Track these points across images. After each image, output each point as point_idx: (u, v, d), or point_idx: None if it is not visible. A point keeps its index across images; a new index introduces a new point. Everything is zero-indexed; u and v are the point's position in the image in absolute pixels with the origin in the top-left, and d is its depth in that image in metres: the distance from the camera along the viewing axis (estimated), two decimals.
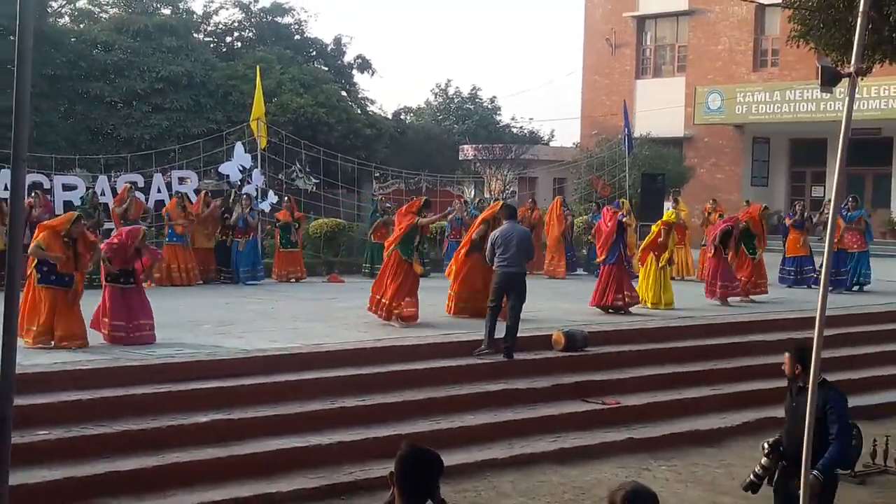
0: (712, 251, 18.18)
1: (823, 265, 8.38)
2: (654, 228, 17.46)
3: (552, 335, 13.20)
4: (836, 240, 20.66)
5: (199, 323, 14.03)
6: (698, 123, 38.04)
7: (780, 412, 12.29)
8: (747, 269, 18.66)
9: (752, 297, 18.45)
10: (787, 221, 21.23)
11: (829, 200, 20.72)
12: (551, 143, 51.09)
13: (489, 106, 52.58)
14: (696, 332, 14.94)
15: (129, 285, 12.26)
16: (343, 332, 13.35)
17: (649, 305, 16.66)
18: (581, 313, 15.76)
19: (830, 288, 19.61)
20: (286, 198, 22.56)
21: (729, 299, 17.73)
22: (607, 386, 12.54)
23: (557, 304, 16.68)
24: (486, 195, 36.37)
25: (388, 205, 26.71)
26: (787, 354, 7.22)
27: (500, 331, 12.60)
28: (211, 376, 10.73)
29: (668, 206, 22.27)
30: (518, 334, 12.73)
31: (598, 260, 16.72)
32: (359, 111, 36.99)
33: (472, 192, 39.66)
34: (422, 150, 40.88)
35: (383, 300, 14.09)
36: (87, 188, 21.96)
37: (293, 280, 21.42)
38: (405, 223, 14.25)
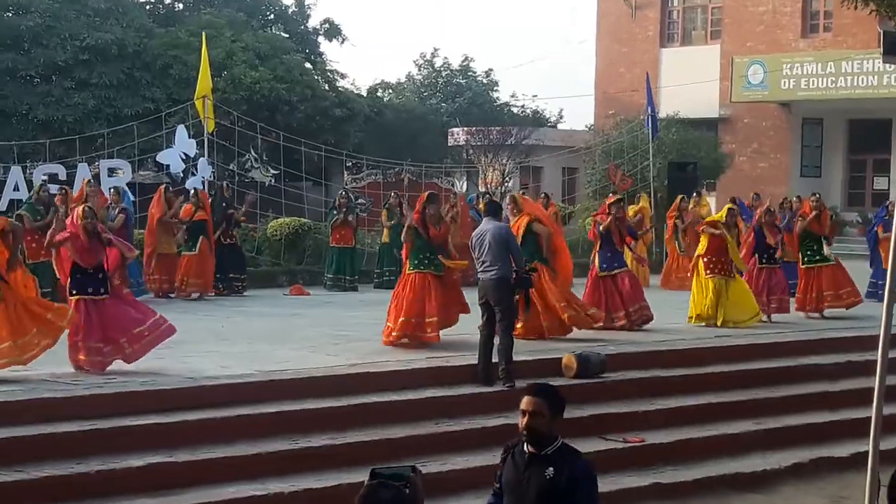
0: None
1: (888, 276, 8.38)
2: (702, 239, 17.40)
3: (562, 359, 13.19)
4: None
5: None
6: (736, 101, 38.16)
7: (839, 450, 12.40)
8: (808, 279, 18.64)
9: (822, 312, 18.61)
10: (880, 231, 21.21)
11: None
12: (559, 126, 51.18)
13: (484, 80, 52.65)
14: (735, 354, 14.95)
15: (101, 295, 12.23)
16: (309, 356, 13.33)
17: (707, 323, 16.74)
18: (598, 331, 15.76)
19: None
20: (192, 189, 21.73)
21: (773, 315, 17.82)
22: (629, 420, 12.54)
23: None
24: (482, 188, 36.41)
25: (361, 200, 26.76)
26: (534, 399, 6.15)
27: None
28: (148, 410, 10.69)
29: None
30: (519, 357, 12.76)
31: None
32: (326, 87, 37.00)
33: (464, 185, 39.68)
34: (403, 134, 40.90)
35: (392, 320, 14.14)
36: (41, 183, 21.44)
37: (195, 297, 20.46)
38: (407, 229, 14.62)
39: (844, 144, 38.53)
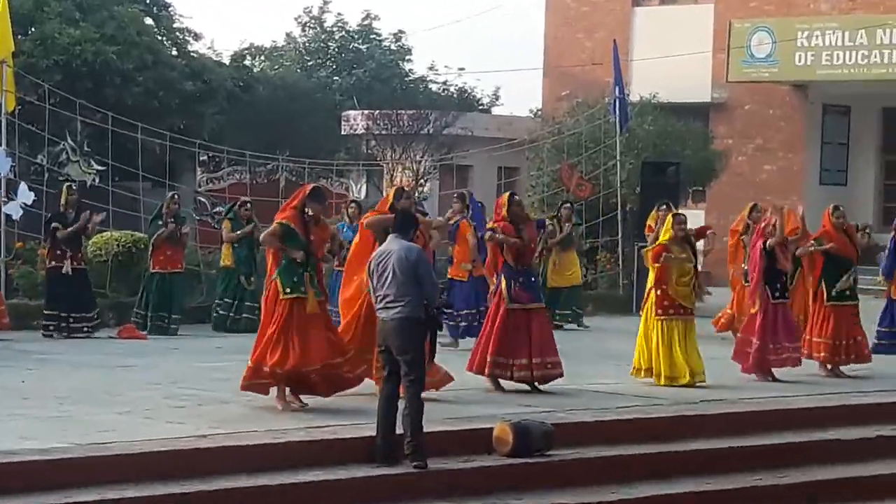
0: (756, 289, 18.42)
1: None
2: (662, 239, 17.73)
3: (493, 429, 13.25)
4: None
5: None
6: (735, 81, 38.44)
7: None
8: (827, 320, 18.93)
9: (841, 368, 18.94)
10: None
11: None
12: (495, 111, 51.34)
13: (392, 47, 52.70)
14: (728, 424, 15.10)
15: None
16: (144, 423, 13.29)
17: (657, 381, 17.02)
18: (547, 390, 15.99)
19: None
20: None
21: (774, 370, 18.07)
22: None
23: None
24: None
25: (219, 208, 26.59)
26: None
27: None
28: None
29: None
30: (433, 426, 12.81)
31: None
32: (174, 52, 36.80)
33: (363, 189, 39.63)
34: (280, 118, 40.76)
35: (264, 366, 14.24)
36: None
37: None
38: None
39: (878, 141, 38.94)
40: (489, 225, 16.95)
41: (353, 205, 23.11)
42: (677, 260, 17.20)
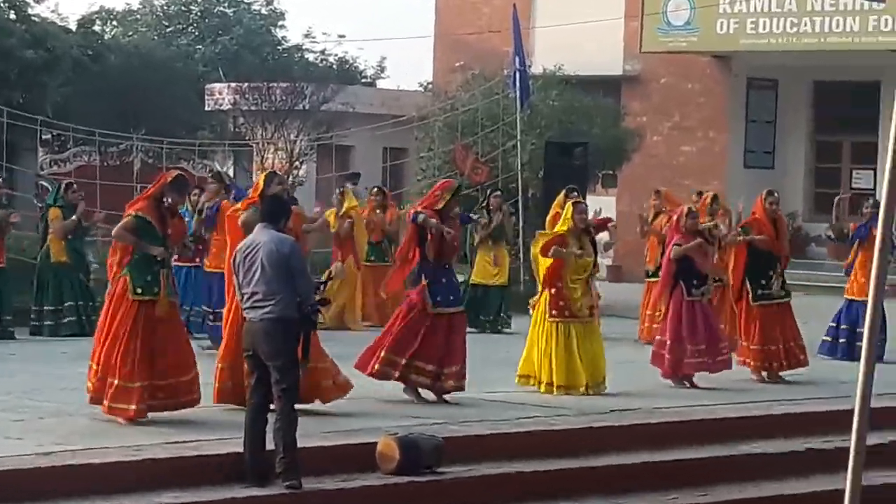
0: (666, 286, 18.51)
1: (867, 316, 8.68)
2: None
3: (377, 444, 13.25)
4: None
5: None
6: (649, 51, 38.60)
7: None
8: (754, 323, 19.09)
9: (780, 374, 19.18)
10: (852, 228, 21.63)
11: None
12: (380, 84, 51.24)
13: (263, 11, 52.50)
14: (642, 437, 15.17)
15: None
16: None
17: (547, 390, 17.06)
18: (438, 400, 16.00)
19: None
20: None
21: (695, 375, 18.18)
22: None
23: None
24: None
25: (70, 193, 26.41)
26: None
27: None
28: None
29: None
30: (308, 441, 12.81)
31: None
32: (12, 16, 36.48)
33: (230, 171, 39.42)
34: (135, 91, 40.49)
35: (109, 378, 14.16)
36: None
37: None
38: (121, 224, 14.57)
39: (809, 118, 39.25)
40: (416, 209, 16.83)
41: (196, 191, 23.04)
42: (570, 253, 17.13)
